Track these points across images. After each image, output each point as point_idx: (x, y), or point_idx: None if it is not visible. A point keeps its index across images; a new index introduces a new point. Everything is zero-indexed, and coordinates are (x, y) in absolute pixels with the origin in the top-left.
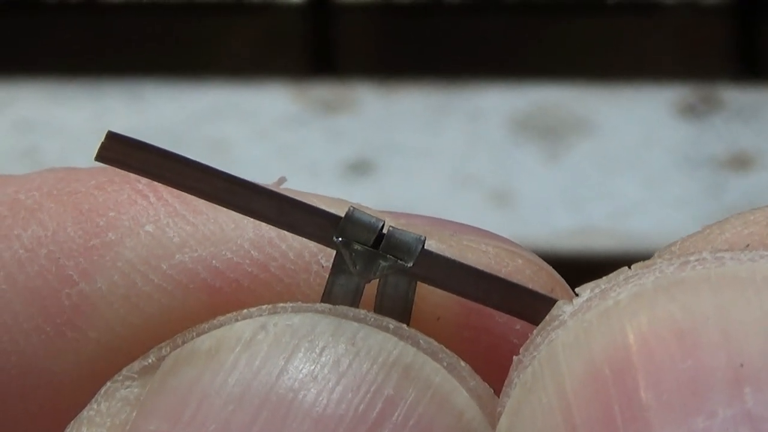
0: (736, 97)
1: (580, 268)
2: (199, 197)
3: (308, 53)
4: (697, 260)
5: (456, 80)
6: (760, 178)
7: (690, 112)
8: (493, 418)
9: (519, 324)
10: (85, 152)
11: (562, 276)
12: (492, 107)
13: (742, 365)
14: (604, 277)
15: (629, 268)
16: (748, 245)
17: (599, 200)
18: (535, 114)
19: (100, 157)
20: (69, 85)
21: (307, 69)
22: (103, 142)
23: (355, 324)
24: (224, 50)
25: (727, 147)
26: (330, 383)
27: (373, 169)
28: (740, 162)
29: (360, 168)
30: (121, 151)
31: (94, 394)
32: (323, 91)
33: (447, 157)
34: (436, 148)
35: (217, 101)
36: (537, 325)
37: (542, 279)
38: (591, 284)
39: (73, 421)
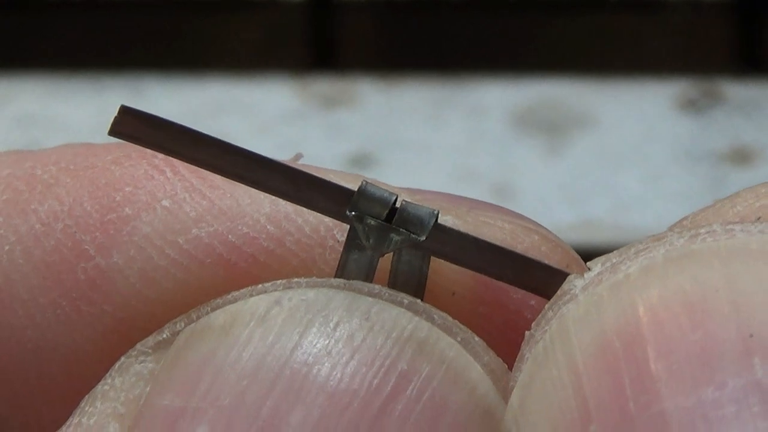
0: (738, 91)
1: None
2: (213, 172)
3: (309, 48)
4: (707, 232)
5: (457, 75)
6: (762, 172)
7: (691, 106)
8: (506, 393)
9: (534, 299)
10: None
11: None
12: (493, 102)
13: (751, 336)
14: (615, 251)
15: (640, 242)
16: (759, 218)
17: (600, 195)
18: (536, 109)
19: (113, 132)
20: (71, 80)
21: (308, 64)
22: (116, 117)
23: (370, 299)
24: (225, 46)
25: (728, 141)
26: (344, 358)
27: (374, 164)
28: (741, 156)
29: (361, 162)
30: (134, 126)
31: (109, 368)
32: (324, 85)
33: (448, 151)
34: (437, 142)
35: (219, 96)
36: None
37: (558, 255)
38: (602, 258)
39: (87, 396)
